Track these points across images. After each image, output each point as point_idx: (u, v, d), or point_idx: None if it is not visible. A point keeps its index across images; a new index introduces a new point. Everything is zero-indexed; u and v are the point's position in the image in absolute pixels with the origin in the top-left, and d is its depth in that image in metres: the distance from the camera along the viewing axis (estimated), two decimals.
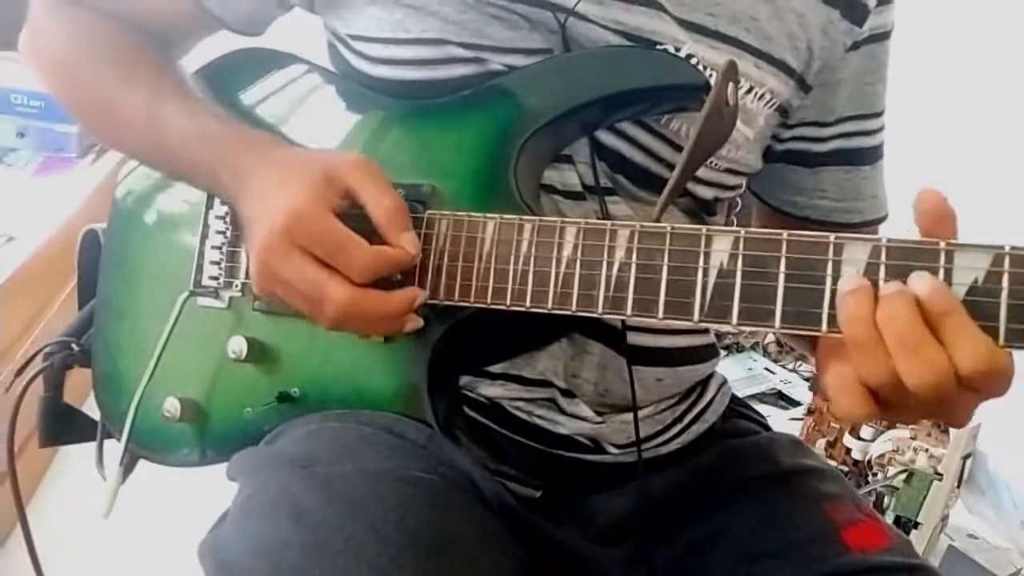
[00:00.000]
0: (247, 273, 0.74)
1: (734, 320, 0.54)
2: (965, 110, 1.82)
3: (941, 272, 0.49)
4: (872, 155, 0.83)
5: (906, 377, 0.48)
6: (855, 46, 0.76)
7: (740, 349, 2.03)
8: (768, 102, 0.74)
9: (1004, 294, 0.48)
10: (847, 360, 0.51)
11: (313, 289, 0.60)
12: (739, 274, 0.54)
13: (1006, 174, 1.75)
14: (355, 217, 0.61)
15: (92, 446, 0.84)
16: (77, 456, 0.93)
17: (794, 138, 0.81)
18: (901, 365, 0.48)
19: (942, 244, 0.49)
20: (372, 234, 0.61)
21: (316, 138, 0.74)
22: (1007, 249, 0.48)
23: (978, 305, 0.48)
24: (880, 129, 0.83)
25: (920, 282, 0.48)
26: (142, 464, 0.81)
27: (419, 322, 0.64)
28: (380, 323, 0.63)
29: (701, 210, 0.77)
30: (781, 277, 0.53)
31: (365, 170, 0.62)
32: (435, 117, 0.70)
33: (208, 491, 0.75)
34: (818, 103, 0.78)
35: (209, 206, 0.77)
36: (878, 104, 0.81)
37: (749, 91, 0.72)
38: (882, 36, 0.78)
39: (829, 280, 0.51)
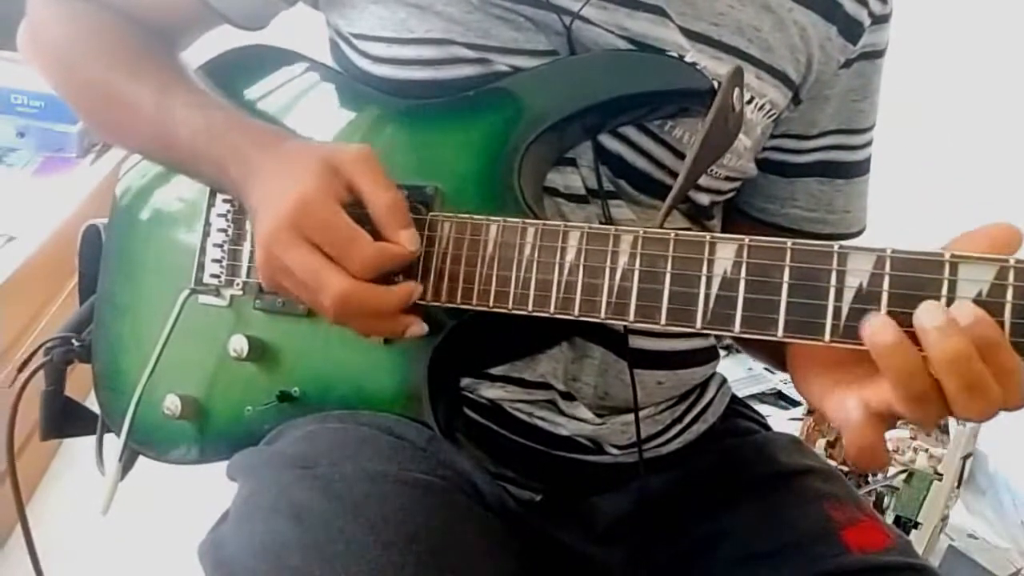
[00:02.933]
0: (249, 271, 0.74)
1: (736, 329, 0.53)
2: (968, 109, 1.82)
3: (945, 284, 0.49)
4: (852, 170, 0.82)
5: (959, 412, 0.49)
6: (847, 64, 0.76)
7: (740, 349, 2.02)
8: (767, 113, 0.74)
9: (1008, 308, 0.48)
10: (854, 387, 0.53)
11: (312, 278, 0.60)
12: (742, 282, 0.54)
13: (1007, 173, 1.75)
14: (361, 210, 0.61)
15: (93, 446, 0.83)
16: (78, 455, 0.93)
17: (773, 148, 0.80)
18: (958, 406, 0.49)
19: (947, 256, 0.49)
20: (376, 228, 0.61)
21: (318, 137, 0.74)
22: (1011, 262, 0.48)
23: None
24: (865, 145, 0.82)
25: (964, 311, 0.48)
26: (143, 464, 0.81)
27: (423, 328, 0.63)
28: (378, 319, 0.62)
29: (700, 215, 0.77)
30: (784, 286, 0.52)
31: (365, 164, 0.62)
32: (439, 118, 0.70)
33: (208, 491, 0.74)
34: (803, 117, 0.78)
35: (211, 204, 0.77)
36: (864, 121, 0.80)
37: (750, 101, 0.72)
38: (874, 55, 0.77)
39: (833, 290, 0.51)
